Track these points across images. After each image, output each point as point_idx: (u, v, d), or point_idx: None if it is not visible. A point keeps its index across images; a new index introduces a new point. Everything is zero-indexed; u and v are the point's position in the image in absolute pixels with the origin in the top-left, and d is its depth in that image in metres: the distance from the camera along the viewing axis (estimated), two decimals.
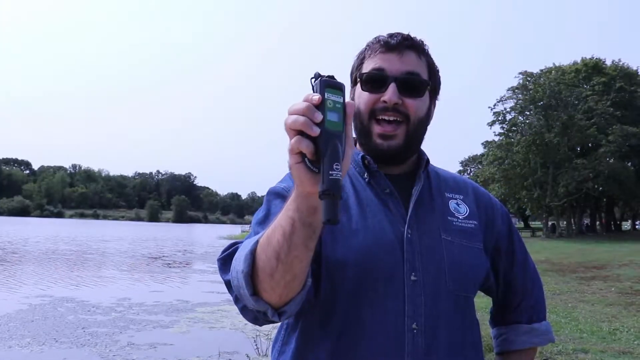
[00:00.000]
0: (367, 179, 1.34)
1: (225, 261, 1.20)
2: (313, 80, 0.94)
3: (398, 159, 1.35)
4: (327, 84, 0.91)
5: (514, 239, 1.48)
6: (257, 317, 1.16)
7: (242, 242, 1.19)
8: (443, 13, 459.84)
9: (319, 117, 0.88)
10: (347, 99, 0.92)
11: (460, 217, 1.37)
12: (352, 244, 1.23)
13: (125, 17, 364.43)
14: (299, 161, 0.90)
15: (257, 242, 1.08)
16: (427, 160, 1.40)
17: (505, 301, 1.49)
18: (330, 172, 0.86)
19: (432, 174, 1.42)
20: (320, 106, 0.89)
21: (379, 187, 1.33)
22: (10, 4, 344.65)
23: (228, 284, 1.17)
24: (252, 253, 1.07)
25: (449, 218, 1.35)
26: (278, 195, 1.30)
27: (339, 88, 0.92)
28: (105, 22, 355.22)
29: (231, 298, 1.17)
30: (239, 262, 1.11)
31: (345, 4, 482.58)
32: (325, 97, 0.90)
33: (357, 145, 1.41)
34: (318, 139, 0.88)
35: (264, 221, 1.27)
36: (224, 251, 1.21)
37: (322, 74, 0.93)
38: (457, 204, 1.39)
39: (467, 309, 1.32)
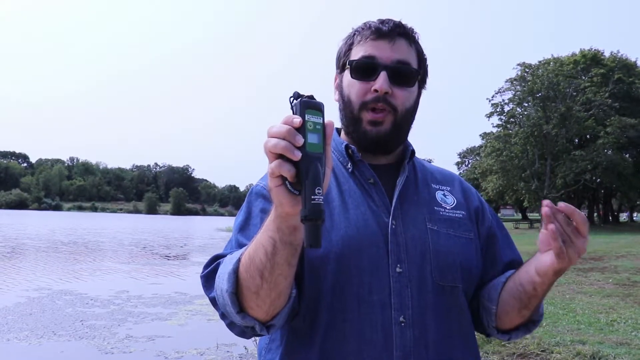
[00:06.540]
0: (350, 169, 1.32)
1: (208, 278, 1.18)
2: (292, 100, 0.92)
3: (385, 147, 1.33)
4: (307, 104, 0.89)
5: (500, 227, 1.46)
6: (244, 332, 1.16)
7: (224, 256, 1.18)
8: (440, 4, 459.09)
9: (300, 140, 0.86)
10: (327, 118, 0.90)
11: (448, 207, 1.35)
12: (334, 238, 1.21)
13: (125, 18, 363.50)
14: (279, 184, 0.89)
15: (239, 260, 1.07)
16: (413, 151, 1.38)
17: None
18: (312, 197, 0.85)
19: (417, 166, 1.41)
20: (300, 128, 0.87)
21: (363, 177, 1.31)
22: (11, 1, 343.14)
23: (213, 300, 1.16)
24: (235, 272, 1.06)
25: (435, 208, 1.33)
26: (259, 194, 1.30)
27: (318, 108, 0.90)
28: (106, 22, 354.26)
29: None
30: (222, 280, 1.10)
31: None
32: (306, 118, 0.88)
33: (342, 134, 1.39)
34: (299, 163, 0.86)
35: (244, 227, 1.26)
36: (206, 267, 1.20)
37: (301, 93, 0.91)
38: (444, 195, 1.38)
39: (456, 299, 1.28)
